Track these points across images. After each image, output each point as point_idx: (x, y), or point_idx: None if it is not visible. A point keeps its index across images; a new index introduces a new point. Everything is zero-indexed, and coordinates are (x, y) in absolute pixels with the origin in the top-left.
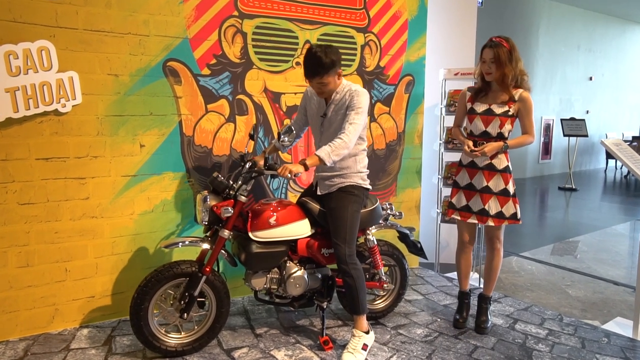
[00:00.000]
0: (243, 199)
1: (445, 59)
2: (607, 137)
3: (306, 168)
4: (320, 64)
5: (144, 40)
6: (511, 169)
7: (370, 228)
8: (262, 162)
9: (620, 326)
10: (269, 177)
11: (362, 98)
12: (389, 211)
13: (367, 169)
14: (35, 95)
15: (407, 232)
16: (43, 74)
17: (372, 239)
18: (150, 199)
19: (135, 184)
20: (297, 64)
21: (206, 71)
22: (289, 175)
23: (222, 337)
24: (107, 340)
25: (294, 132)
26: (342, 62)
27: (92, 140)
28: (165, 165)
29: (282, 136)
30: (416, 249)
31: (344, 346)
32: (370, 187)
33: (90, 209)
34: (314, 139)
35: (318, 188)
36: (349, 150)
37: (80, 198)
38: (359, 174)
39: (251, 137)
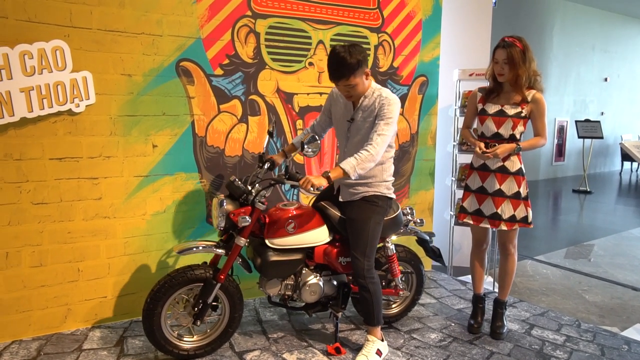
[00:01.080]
0: (261, 206)
1: (460, 59)
2: (622, 139)
3: (329, 181)
4: (345, 64)
5: (157, 40)
6: (524, 171)
7: (390, 236)
8: (279, 160)
9: None
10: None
11: (393, 107)
12: (409, 217)
13: (391, 172)
14: (50, 95)
15: (427, 238)
16: (57, 73)
17: (391, 247)
18: (163, 200)
19: (147, 185)
20: (310, 64)
21: (219, 71)
22: (311, 189)
23: (234, 340)
24: (119, 341)
25: (318, 141)
26: None
27: (105, 141)
28: (178, 165)
29: (305, 146)
30: (435, 255)
31: (356, 351)
32: (394, 196)
33: (102, 209)
34: (339, 144)
35: (340, 195)
36: (376, 161)
37: (93, 198)
38: (384, 183)
39: (270, 134)
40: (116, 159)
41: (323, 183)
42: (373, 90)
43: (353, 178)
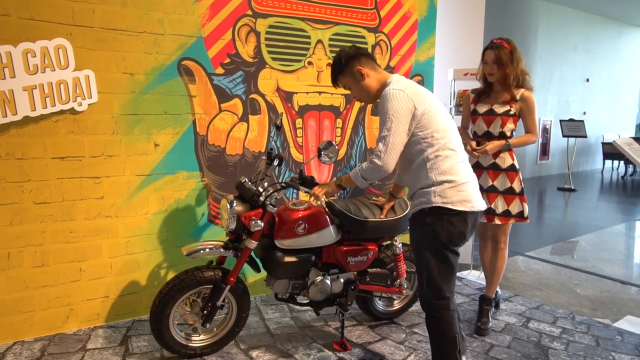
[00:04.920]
0: (272, 209)
1: (454, 59)
2: (603, 138)
3: (342, 188)
4: (332, 67)
5: (159, 39)
6: (518, 167)
7: (398, 235)
8: (392, 199)
9: (631, 324)
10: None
11: (385, 102)
12: None
13: (453, 174)
14: (52, 93)
15: None
16: (60, 72)
17: (398, 246)
18: (165, 199)
19: (149, 184)
20: (310, 63)
21: (220, 70)
22: (323, 198)
23: (238, 337)
24: (123, 341)
25: (334, 146)
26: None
27: (107, 139)
28: (179, 164)
29: (322, 152)
30: None
31: (360, 345)
32: (458, 208)
33: (104, 209)
34: None
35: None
36: (389, 171)
37: (95, 197)
38: (434, 189)
39: (277, 127)
40: (118, 158)
41: (336, 192)
42: (386, 87)
43: (362, 187)
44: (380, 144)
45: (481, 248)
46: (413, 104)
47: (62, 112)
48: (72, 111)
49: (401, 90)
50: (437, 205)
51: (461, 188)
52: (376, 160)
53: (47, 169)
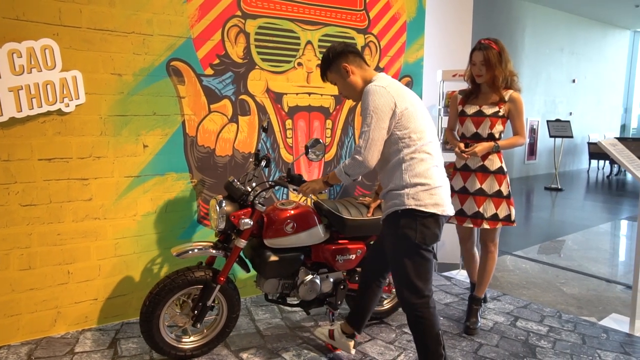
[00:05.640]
0: (261, 208)
1: (443, 60)
2: (589, 139)
3: (329, 185)
4: (321, 64)
5: (148, 39)
6: (505, 169)
7: None
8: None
9: (617, 322)
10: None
11: (368, 99)
12: None
13: (426, 177)
14: (39, 94)
15: None
16: (47, 73)
17: None
18: (154, 200)
19: (138, 185)
20: (299, 64)
21: (209, 71)
22: (311, 195)
23: (229, 339)
24: (111, 344)
25: (322, 143)
26: None
27: (95, 141)
28: (169, 165)
29: (309, 150)
30: None
31: None
32: (431, 210)
33: (93, 210)
34: None
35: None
36: (370, 167)
37: (83, 199)
38: (407, 191)
39: (264, 129)
40: (106, 160)
41: (323, 188)
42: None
43: (346, 183)
44: (360, 139)
45: (463, 250)
46: (394, 101)
47: (49, 113)
48: (59, 112)
49: (383, 87)
50: (410, 207)
51: (434, 192)
52: (357, 156)
53: (33, 171)
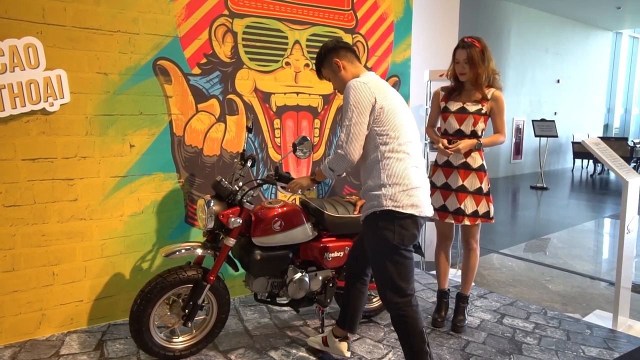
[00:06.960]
0: (250, 206)
1: (430, 60)
2: (573, 138)
3: (316, 182)
4: (316, 60)
5: (134, 38)
6: (486, 167)
7: None
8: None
9: (600, 318)
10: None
11: (349, 93)
12: None
13: (404, 177)
14: (22, 93)
15: None
16: (30, 71)
17: None
18: (141, 200)
19: (124, 185)
20: (287, 64)
21: (196, 70)
22: (299, 192)
23: (217, 339)
24: (98, 345)
25: (309, 140)
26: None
27: (81, 140)
28: (156, 165)
29: (297, 147)
30: (414, 247)
31: None
32: (408, 212)
33: (78, 211)
34: None
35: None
36: (353, 161)
37: (68, 200)
38: (384, 192)
39: (249, 130)
40: (92, 160)
41: (311, 186)
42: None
43: (331, 178)
44: (342, 134)
45: (439, 248)
46: (374, 96)
47: (32, 112)
48: (44, 112)
49: (364, 83)
50: (387, 208)
51: (411, 193)
52: (339, 150)
53: (17, 171)
